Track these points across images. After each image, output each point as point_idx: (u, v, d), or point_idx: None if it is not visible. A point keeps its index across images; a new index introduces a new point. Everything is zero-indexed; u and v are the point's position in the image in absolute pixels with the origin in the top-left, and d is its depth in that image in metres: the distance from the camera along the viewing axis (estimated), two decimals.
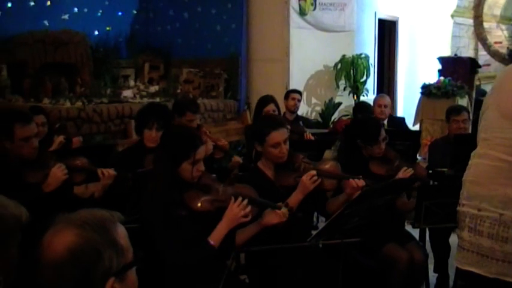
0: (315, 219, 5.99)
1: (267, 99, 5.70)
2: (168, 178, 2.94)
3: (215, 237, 2.90)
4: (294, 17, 9.63)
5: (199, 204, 2.92)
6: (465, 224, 2.46)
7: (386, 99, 6.60)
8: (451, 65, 9.50)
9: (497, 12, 11.69)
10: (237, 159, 4.99)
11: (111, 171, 3.53)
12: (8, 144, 3.24)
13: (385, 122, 6.44)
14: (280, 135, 3.39)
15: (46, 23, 8.72)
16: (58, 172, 3.32)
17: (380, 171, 3.84)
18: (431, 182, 4.68)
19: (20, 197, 2.33)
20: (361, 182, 3.38)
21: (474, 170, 2.47)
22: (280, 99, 6.45)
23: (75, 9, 9.26)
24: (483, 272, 2.39)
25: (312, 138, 5.63)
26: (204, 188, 2.98)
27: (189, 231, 2.87)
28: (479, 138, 2.50)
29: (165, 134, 3.32)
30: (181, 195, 2.93)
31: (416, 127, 8.89)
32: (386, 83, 12.19)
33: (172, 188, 2.93)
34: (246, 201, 2.92)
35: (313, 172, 3.37)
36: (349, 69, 9.99)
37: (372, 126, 3.97)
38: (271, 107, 5.53)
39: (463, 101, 8.62)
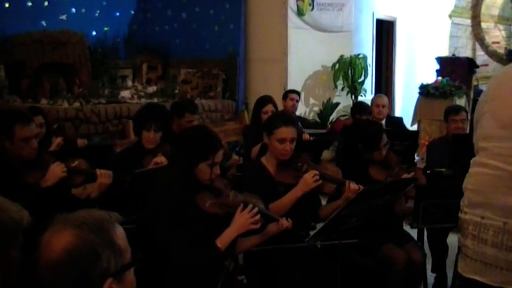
0: None
1: (265, 100, 5.70)
2: (183, 177, 2.94)
3: (223, 241, 2.89)
4: (292, 17, 9.64)
5: (208, 206, 2.92)
6: (468, 232, 2.44)
7: (384, 99, 6.59)
8: (449, 65, 9.52)
9: (495, 12, 11.69)
10: (236, 158, 4.99)
11: (108, 172, 3.52)
12: (8, 144, 3.23)
13: (383, 122, 6.44)
14: (288, 132, 3.44)
15: (44, 23, 8.72)
16: (57, 169, 3.31)
17: (379, 177, 3.81)
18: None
19: (20, 196, 2.33)
20: (360, 187, 3.41)
21: (474, 178, 2.45)
22: (278, 99, 6.44)
23: (73, 10, 9.26)
24: (487, 280, 2.37)
25: (310, 139, 5.64)
26: (216, 191, 2.99)
27: (196, 231, 2.87)
28: (477, 146, 2.48)
29: (185, 133, 3.31)
30: (193, 196, 2.93)
31: (414, 127, 8.89)
32: (384, 83, 12.20)
33: (186, 187, 2.93)
34: (256, 209, 2.92)
35: (316, 171, 3.40)
36: (347, 70, 9.99)
37: (373, 131, 3.93)
38: (269, 108, 5.52)
39: (461, 101, 8.63)
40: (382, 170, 3.85)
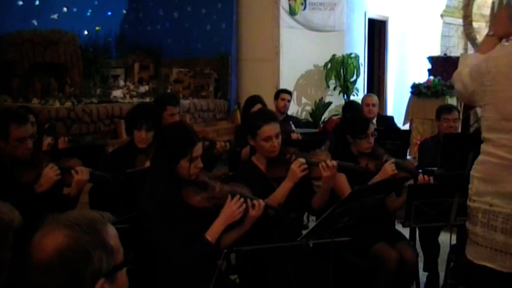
0: (305, 218, 6.00)
1: (254, 100, 5.68)
2: (166, 176, 2.93)
3: (212, 234, 2.90)
4: (284, 16, 9.64)
5: (196, 201, 2.93)
6: (477, 220, 2.50)
7: (374, 98, 6.63)
8: (440, 65, 9.54)
9: (486, 12, 11.72)
10: (221, 144, 4.97)
11: (85, 168, 3.48)
12: (2, 144, 3.23)
13: (374, 121, 6.46)
14: (271, 129, 3.43)
15: (35, 22, 8.68)
16: (50, 172, 3.31)
17: (369, 167, 3.86)
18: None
19: (13, 198, 2.32)
20: (333, 163, 3.39)
21: (482, 167, 2.53)
22: (270, 99, 6.44)
23: (65, 9, 9.23)
24: (497, 266, 2.43)
25: (299, 137, 5.64)
26: (201, 185, 2.99)
27: (186, 229, 2.87)
28: (482, 137, 2.54)
29: (162, 132, 3.30)
30: (179, 193, 2.93)
31: (406, 126, 8.91)
32: (377, 82, 12.23)
33: (170, 185, 2.92)
34: (242, 199, 2.94)
35: (302, 160, 3.40)
36: (339, 69, 10.00)
37: (360, 120, 4.05)
38: (258, 108, 5.51)
39: (453, 101, 8.64)
40: (371, 161, 3.91)
